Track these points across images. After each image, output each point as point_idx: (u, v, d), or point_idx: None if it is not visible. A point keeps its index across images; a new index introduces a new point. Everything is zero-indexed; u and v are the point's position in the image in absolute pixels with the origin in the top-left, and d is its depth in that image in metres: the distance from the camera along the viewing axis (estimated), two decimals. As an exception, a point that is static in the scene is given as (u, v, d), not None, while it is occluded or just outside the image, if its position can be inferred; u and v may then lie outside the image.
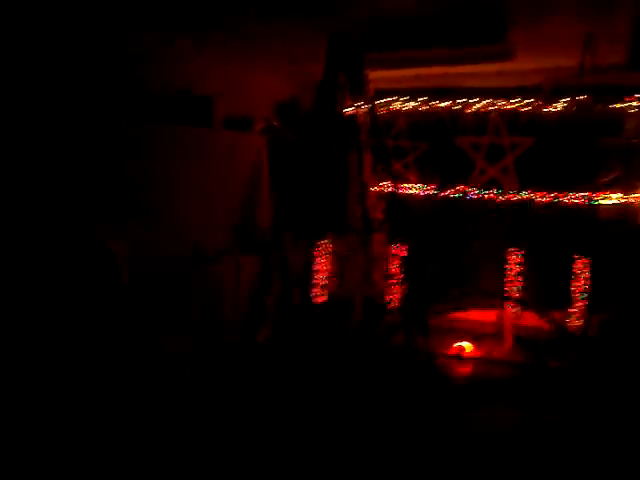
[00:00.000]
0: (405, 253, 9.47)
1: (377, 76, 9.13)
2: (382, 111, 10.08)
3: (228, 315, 8.91)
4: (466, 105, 9.74)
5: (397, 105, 10.22)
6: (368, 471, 5.61)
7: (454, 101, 9.79)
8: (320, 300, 9.80)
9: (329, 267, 9.97)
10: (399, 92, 10.24)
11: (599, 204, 9.25)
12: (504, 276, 9.70)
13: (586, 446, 6.07)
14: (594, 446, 6.04)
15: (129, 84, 8.08)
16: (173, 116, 8.64)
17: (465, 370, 8.67)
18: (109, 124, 7.59)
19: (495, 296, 9.86)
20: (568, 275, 9.23)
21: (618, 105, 9.00)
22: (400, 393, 7.18)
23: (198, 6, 7.45)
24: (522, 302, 9.54)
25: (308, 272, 9.59)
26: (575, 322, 9.12)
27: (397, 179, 9.69)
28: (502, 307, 9.77)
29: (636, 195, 9.10)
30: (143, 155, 7.99)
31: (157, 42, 8.35)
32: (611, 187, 9.25)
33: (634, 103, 9.01)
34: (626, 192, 9.13)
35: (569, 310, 9.20)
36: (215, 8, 7.51)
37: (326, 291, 9.90)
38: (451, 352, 9.15)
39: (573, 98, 9.14)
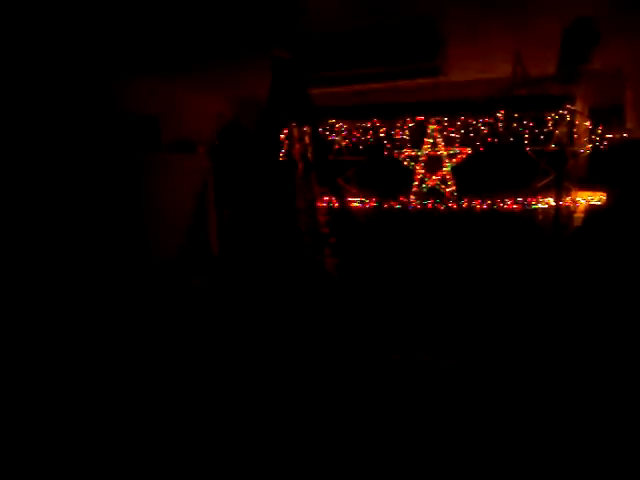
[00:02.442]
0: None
1: (314, 94, 9.00)
2: (322, 128, 10.04)
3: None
4: (403, 119, 9.83)
5: (335, 121, 10.19)
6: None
7: (391, 115, 9.85)
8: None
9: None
10: (337, 109, 10.19)
11: (535, 208, 9.39)
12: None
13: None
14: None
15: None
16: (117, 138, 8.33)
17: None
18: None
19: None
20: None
21: (549, 115, 9.22)
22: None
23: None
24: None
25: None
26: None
27: (340, 193, 9.62)
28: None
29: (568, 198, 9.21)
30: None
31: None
32: (546, 192, 9.37)
33: (563, 112, 9.19)
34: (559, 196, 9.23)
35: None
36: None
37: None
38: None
39: (506, 109, 9.27)
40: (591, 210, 9.04)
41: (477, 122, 9.50)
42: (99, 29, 6.58)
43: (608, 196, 8.84)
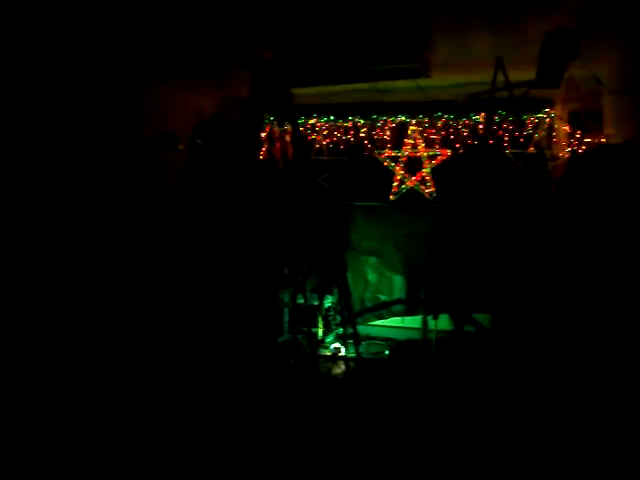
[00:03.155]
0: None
1: (296, 93, 8.98)
2: (302, 127, 10.03)
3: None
4: (384, 120, 9.88)
5: (316, 122, 10.19)
6: None
7: (372, 116, 9.90)
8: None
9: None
10: (318, 108, 10.18)
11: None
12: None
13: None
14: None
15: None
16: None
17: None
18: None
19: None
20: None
21: (528, 119, 9.32)
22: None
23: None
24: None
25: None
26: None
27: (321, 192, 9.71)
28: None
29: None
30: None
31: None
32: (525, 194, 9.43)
33: (543, 116, 9.30)
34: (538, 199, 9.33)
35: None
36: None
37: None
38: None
39: (486, 112, 9.33)
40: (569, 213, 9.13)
41: (457, 124, 9.56)
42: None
43: (587, 200, 8.96)
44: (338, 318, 9.85)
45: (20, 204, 6.83)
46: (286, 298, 9.81)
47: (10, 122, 6.70)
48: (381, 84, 8.98)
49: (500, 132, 9.37)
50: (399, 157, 9.89)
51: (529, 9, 7.37)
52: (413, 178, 9.91)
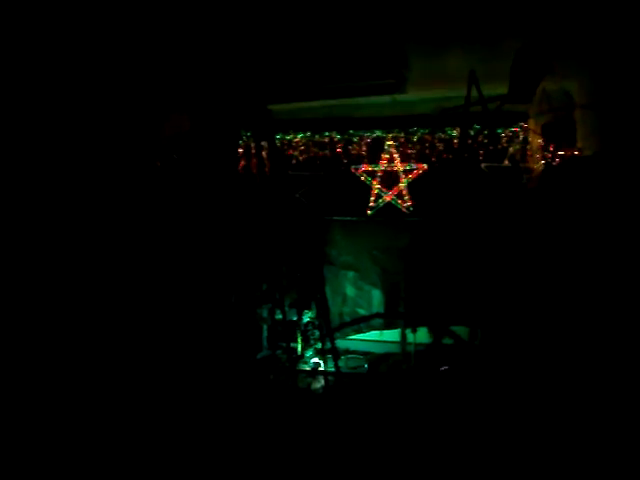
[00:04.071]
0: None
1: (272, 109, 9.09)
2: (279, 143, 10.11)
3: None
4: (360, 135, 9.98)
5: (293, 137, 10.25)
6: None
7: (349, 132, 10.00)
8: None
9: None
10: (295, 123, 10.25)
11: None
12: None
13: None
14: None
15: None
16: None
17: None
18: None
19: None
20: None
21: (503, 132, 9.45)
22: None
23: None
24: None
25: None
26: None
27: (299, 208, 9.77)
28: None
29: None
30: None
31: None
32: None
33: (516, 129, 9.44)
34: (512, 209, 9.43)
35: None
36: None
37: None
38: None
39: (461, 126, 9.45)
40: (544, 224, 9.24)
41: (433, 138, 9.68)
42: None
43: (561, 212, 9.08)
44: (317, 333, 9.84)
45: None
46: (264, 314, 9.82)
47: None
48: (358, 100, 9.14)
49: (475, 146, 9.44)
50: (376, 171, 9.97)
51: (501, 29, 7.56)
52: (390, 192, 9.99)
